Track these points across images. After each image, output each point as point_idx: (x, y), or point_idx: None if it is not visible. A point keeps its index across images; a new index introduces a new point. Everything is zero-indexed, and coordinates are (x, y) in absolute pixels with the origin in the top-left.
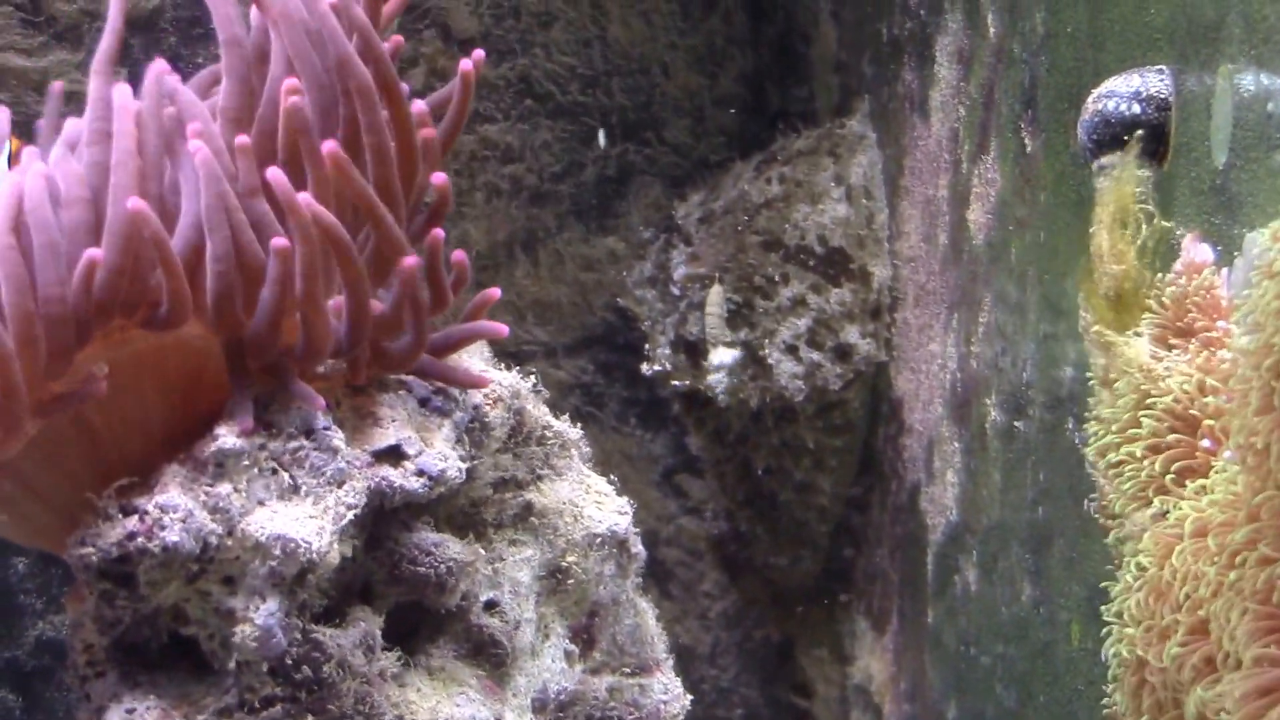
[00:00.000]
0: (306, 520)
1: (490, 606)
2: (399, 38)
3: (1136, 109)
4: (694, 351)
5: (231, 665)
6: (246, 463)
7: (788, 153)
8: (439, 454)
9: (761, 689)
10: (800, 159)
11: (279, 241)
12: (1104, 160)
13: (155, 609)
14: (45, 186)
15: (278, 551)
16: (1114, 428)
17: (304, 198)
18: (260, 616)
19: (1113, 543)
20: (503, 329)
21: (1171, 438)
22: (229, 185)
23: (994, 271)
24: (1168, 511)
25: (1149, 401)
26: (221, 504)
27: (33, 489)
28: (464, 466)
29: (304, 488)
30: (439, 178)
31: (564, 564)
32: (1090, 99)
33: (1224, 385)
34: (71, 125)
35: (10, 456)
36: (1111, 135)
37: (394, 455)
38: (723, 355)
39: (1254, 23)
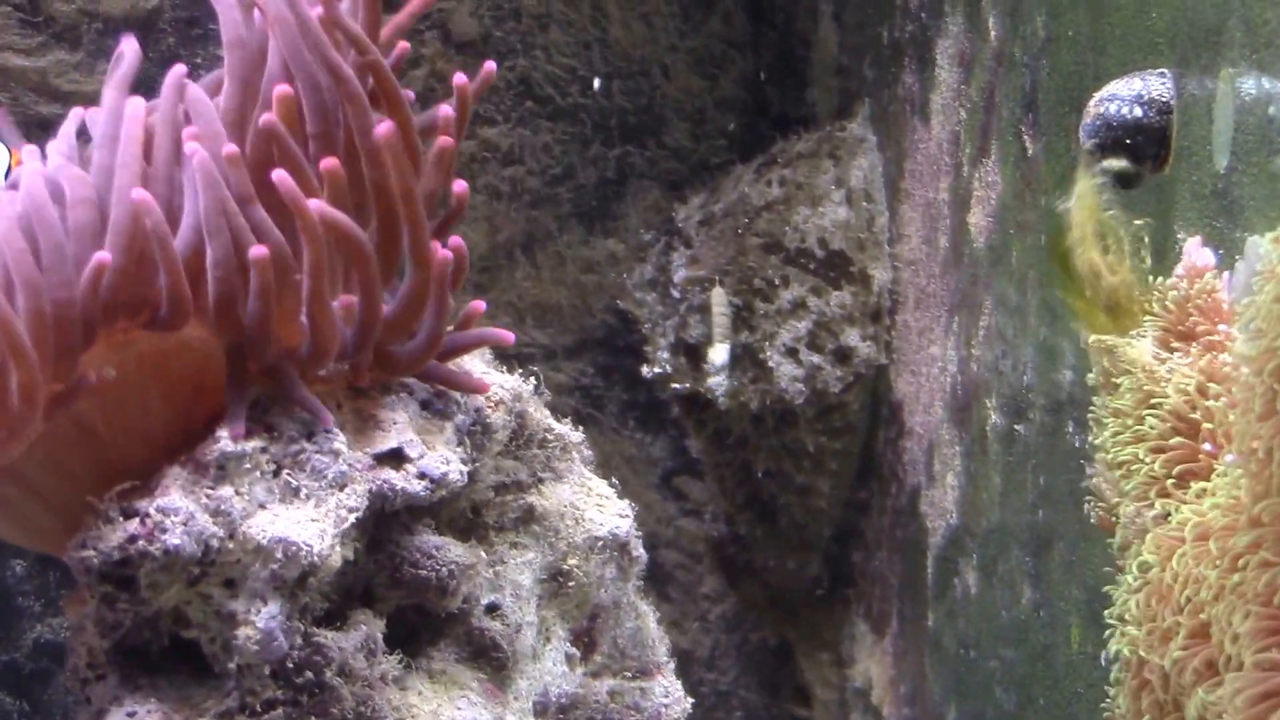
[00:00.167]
0: (308, 523)
1: (492, 610)
2: (405, 44)
3: (1138, 112)
4: (694, 354)
5: (233, 668)
6: (248, 465)
7: (788, 155)
8: (441, 457)
9: (761, 692)
10: (800, 162)
11: (257, 251)
12: (1107, 164)
13: (156, 612)
14: (46, 187)
15: (279, 554)
16: (1118, 427)
17: (315, 204)
18: (261, 619)
19: (1119, 543)
20: (509, 336)
21: (1174, 440)
22: (228, 190)
23: (994, 275)
24: (1169, 514)
25: (1153, 401)
26: (223, 507)
27: (34, 491)
28: (465, 469)
29: (305, 490)
30: (460, 186)
31: (565, 567)
32: (1092, 102)
33: (1226, 388)
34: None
35: (12, 458)
36: (1113, 139)
37: (396, 458)
38: (720, 353)
39: (1255, 27)
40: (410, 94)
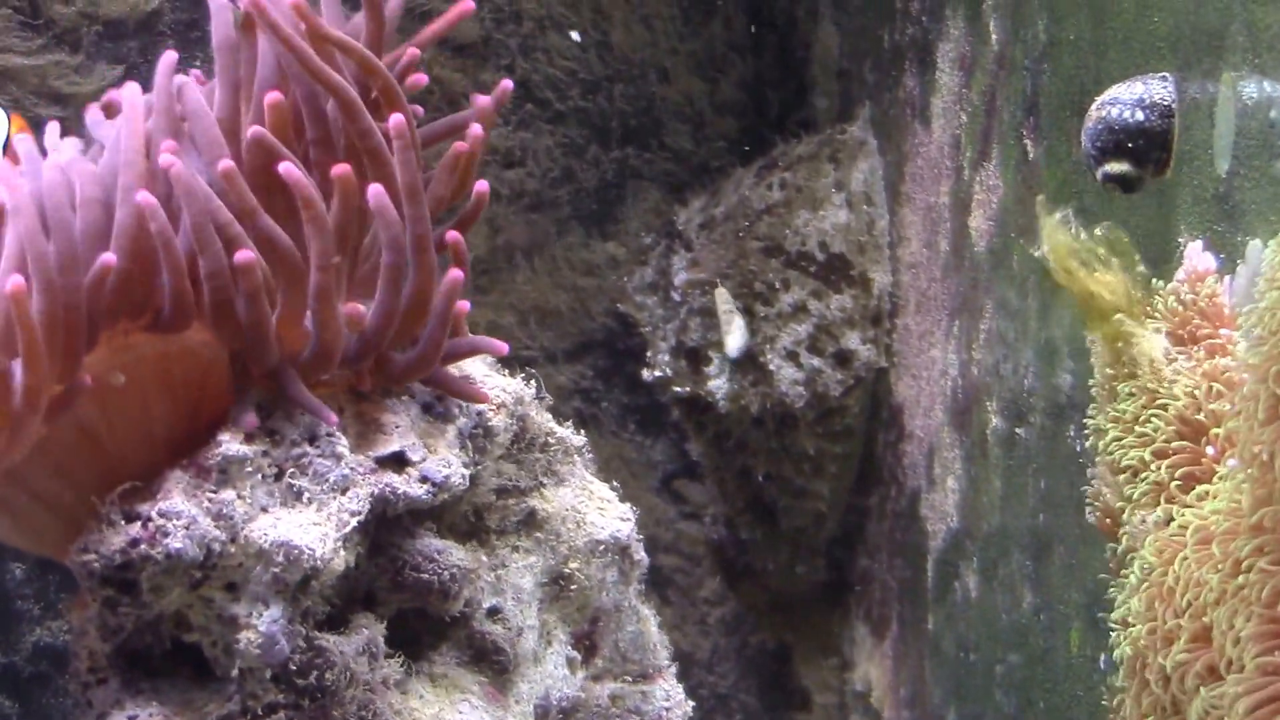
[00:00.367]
0: (310, 527)
1: (493, 613)
2: (414, 50)
3: (1140, 116)
4: (694, 357)
5: (234, 672)
6: (250, 469)
7: (789, 159)
8: (442, 460)
9: (760, 695)
10: (801, 165)
11: (242, 256)
12: (1109, 167)
13: (158, 615)
14: (65, 187)
15: (281, 558)
16: (1121, 430)
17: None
18: (263, 623)
19: (1123, 547)
20: (503, 347)
21: (1176, 444)
22: (219, 198)
23: (995, 278)
24: (1172, 518)
25: (1158, 403)
26: (225, 510)
27: (36, 494)
28: (467, 473)
29: (307, 494)
30: (481, 185)
31: (566, 570)
32: (1094, 106)
33: (1228, 392)
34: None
35: (15, 462)
36: (1115, 142)
37: (397, 462)
38: (737, 339)
39: (1257, 31)
40: (418, 110)
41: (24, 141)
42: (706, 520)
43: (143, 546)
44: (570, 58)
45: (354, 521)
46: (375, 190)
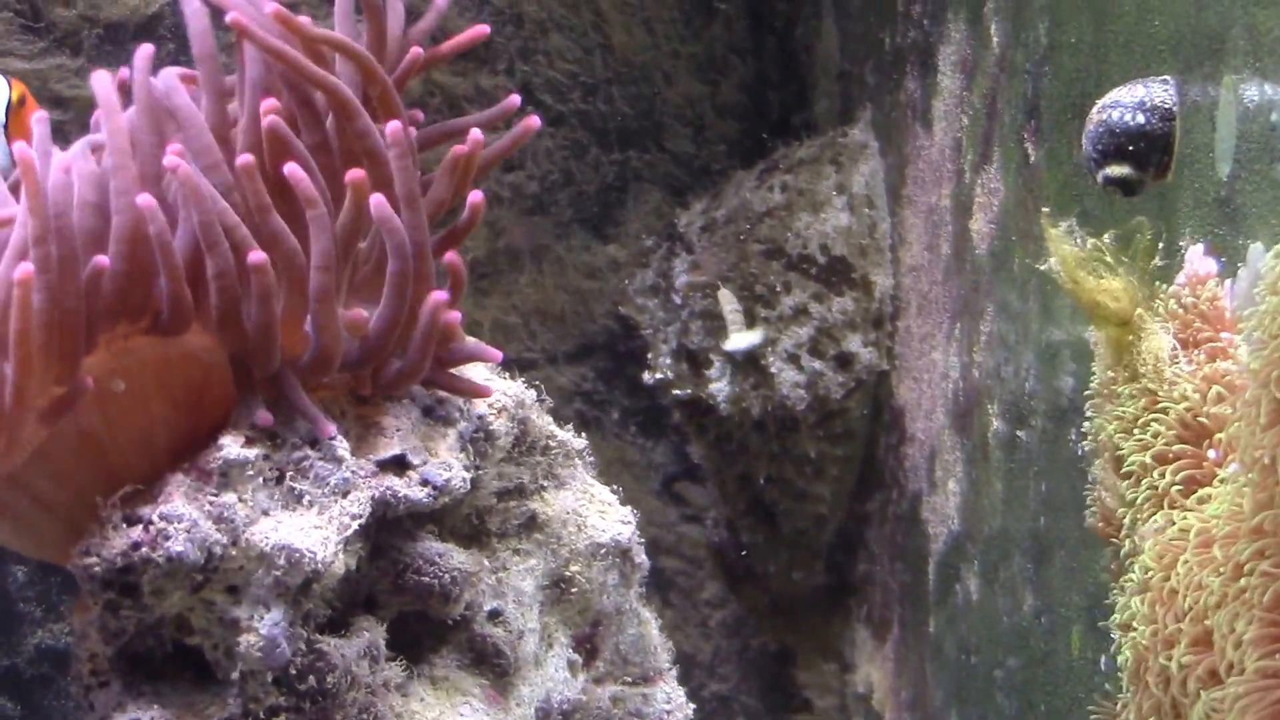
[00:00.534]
0: (311, 530)
1: (494, 616)
2: (417, 49)
3: (1141, 119)
4: (695, 360)
5: (236, 675)
6: (251, 472)
7: (790, 161)
8: (443, 463)
9: (762, 698)
10: (802, 168)
11: (256, 257)
12: (1110, 171)
13: (159, 619)
14: (68, 188)
15: (282, 561)
16: (1121, 432)
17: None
18: (264, 626)
19: (1126, 550)
20: (497, 354)
21: (1178, 448)
22: (224, 198)
23: (996, 281)
24: (1173, 522)
25: (1160, 406)
26: (226, 514)
27: (37, 499)
28: (468, 476)
29: (308, 497)
30: (475, 195)
31: (568, 574)
32: (1095, 109)
33: (1229, 396)
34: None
35: (15, 466)
36: (1116, 146)
37: (398, 465)
38: (751, 337)
39: (1258, 34)
40: (419, 114)
41: (42, 124)
42: (708, 523)
43: (144, 550)
44: (571, 60)
45: (355, 525)
46: (378, 199)
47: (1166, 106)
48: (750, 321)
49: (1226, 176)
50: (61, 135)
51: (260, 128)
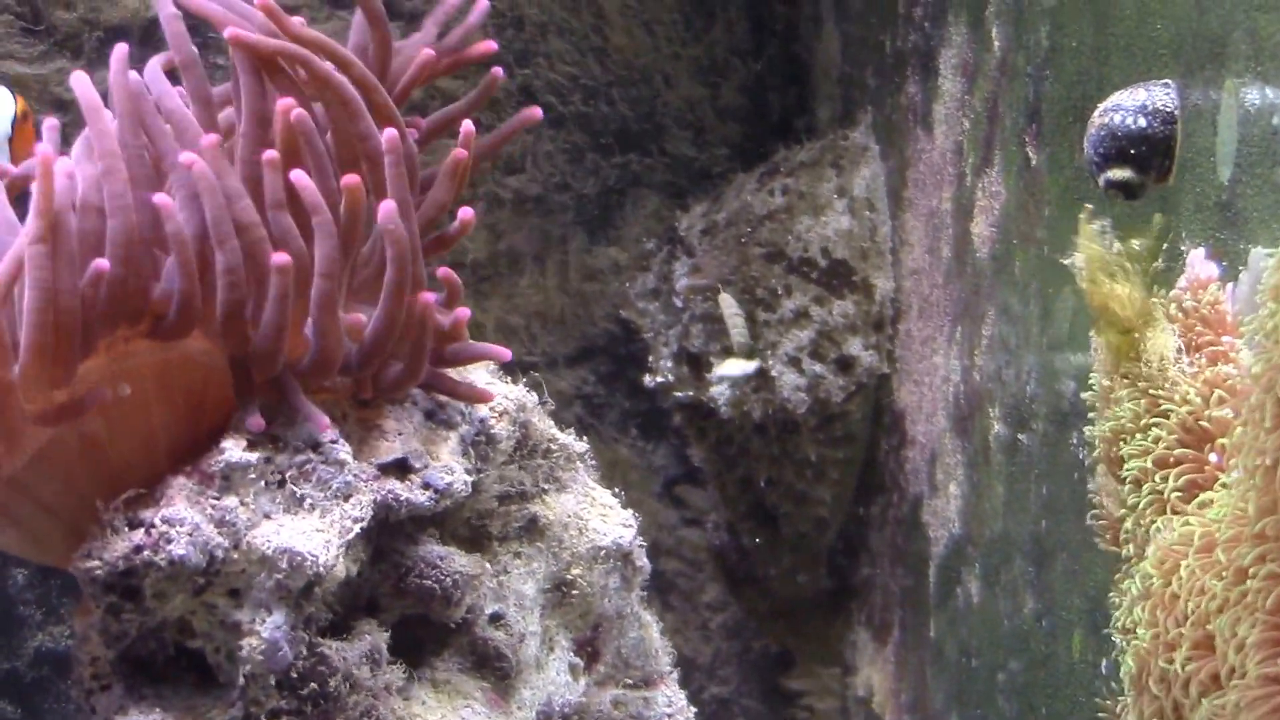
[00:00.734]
0: (313, 533)
1: (495, 619)
2: (429, 51)
3: (1143, 122)
4: (696, 363)
5: (238, 678)
6: (253, 476)
7: (790, 164)
8: (445, 467)
9: (762, 700)
10: (803, 170)
11: (280, 259)
12: (1111, 174)
13: (161, 622)
14: (71, 193)
15: (284, 564)
16: (1121, 434)
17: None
18: (266, 630)
19: (1126, 554)
20: (505, 353)
21: (1179, 452)
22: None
23: (997, 284)
24: (1176, 527)
25: (1160, 409)
26: (228, 517)
27: (39, 502)
28: (470, 479)
29: (310, 501)
30: (466, 212)
31: (569, 577)
32: (1096, 113)
33: (1230, 399)
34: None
35: (15, 470)
36: (1117, 149)
37: (400, 468)
38: (745, 366)
39: (1259, 38)
40: (421, 122)
41: (52, 131)
42: (708, 526)
43: (146, 553)
44: (571, 63)
45: (357, 528)
46: (386, 206)
47: (1168, 110)
48: (751, 324)
49: (1228, 180)
50: (63, 138)
51: (260, 131)
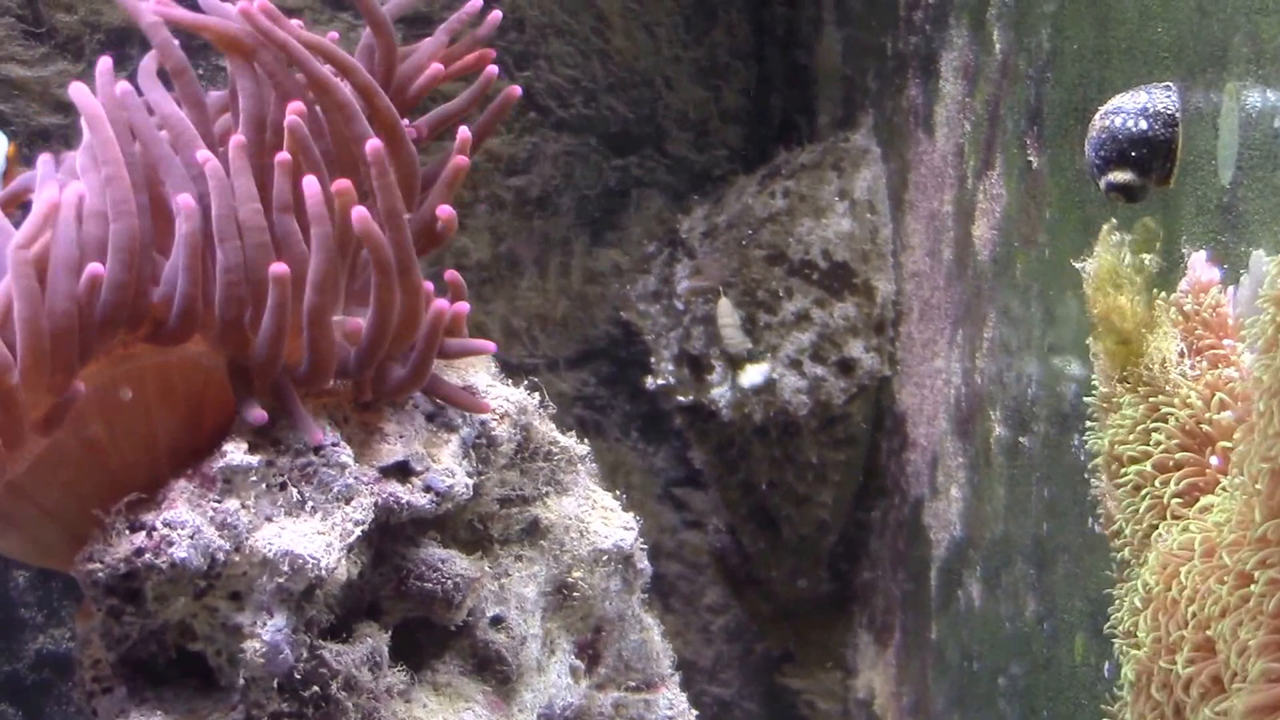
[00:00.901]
0: (314, 536)
1: (496, 622)
2: (438, 66)
3: (1144, 125)
4: (697, 366)
5: (239, 681)
6: (254, 479)
7: (791, 167)
8: (446, 470)
9: (763, 703)
10: (804, 173)
11: (278, 268)
12: (1113, 176)
13: (163, 625)
14: (78, 200)
15: (285, 567)
16: (1123, 440)
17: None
18: (267, 632)
19: (1125, 557)
20: (491, 346)
21: (1180, 455)
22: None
23: (999, 287)
24: (1179, 531)
25: (1161, 413)
26: (229, 520)
27: (41, 506)
28: (471, 482)
29: (312, 504)
30: (446, 211)
31: (570, 580)
32: (1097, 115)
33: (1231, 403)
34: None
35: (17, 474)
36: (1119, 151)
37: (401, 471)
38: (753, 376)
39: (1260, 41)
40: (422, 128)
41: (47, 165)
42: (709, 528)
43: (147, 556)
44: (572, 66)
45: (358, 531)
46: (360, 214)
47: (1169, 113)
48: (752, 327)
49: (1229, 183)
50: (63, 140)
51: (258, 135)
